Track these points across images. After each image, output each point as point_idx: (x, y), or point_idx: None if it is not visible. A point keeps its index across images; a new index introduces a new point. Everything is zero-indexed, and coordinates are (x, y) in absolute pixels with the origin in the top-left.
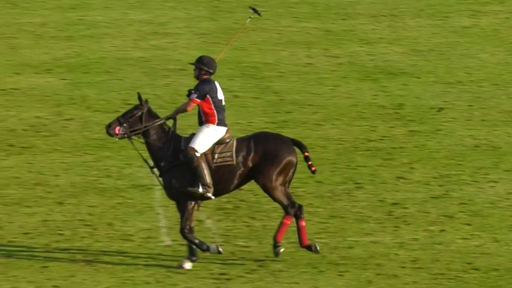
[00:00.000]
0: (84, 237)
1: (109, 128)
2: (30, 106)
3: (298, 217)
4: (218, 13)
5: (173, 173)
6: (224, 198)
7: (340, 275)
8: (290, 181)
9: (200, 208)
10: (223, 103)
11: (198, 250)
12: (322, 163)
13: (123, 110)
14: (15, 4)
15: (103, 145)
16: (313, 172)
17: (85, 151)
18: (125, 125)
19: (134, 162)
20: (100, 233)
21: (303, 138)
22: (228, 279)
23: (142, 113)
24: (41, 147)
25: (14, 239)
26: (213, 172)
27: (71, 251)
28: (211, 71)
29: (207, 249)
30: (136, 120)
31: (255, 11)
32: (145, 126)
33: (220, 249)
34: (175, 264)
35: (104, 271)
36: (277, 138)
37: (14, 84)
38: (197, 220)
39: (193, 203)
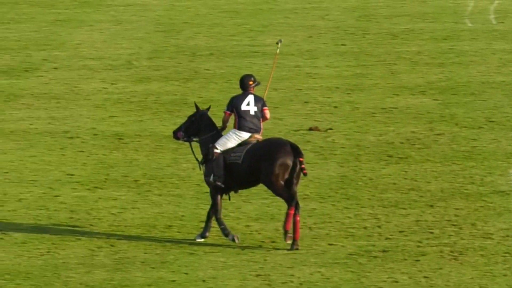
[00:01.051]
0: (451, 235)
1: (174, 133)
2: (406, 122)
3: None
4: None
5: (206, 166)
6: None
7: None
8: (297, 179)
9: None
10: (252, 112)
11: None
12: None
13: (486, 127)
14: (395, 35)
15: (469, 157)
16: (305, 174)
17: (453, 161)
18: (182, 129)
19: (495, 171)
20: (464, 232)
21: None
22: None
23: (195, 119)
24: (415, 157)
25: (390, 236)
26: (227, 167)
27: (440, 247)
28: (240, 88)
29: (226, 236)
30: (191, 125)
31: (279, 42)
32: (200, 138)
33: (235, 239)
34: None
35: (468, 264)
36: (276, 143)
37: (393, 104)
38: None
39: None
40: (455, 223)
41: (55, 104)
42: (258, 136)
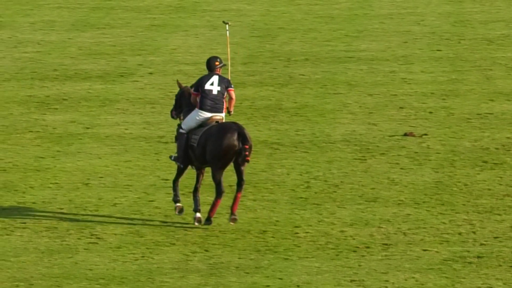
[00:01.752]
0: None
1: (170, 113)
2: (501, 128)
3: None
4: None
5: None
6: None
7: None
8: (242, 162)
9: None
10: (214, 92)
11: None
12: None
13: None
14: (491, 41)
15: None
16: (247, 161)
17: None
18: (173, 108)
19: None
20: None
21: None
22: None
23: (178, 97)
24: (511, 163)
25: (485, 242)
26: (188, 149)
27: None
28: (206, 69)
29: (175, 202)
30: (176, 103)
31: (225, 23)
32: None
33: (177, 211)
34: None
35: None
36: (224, 127)
37: (489, 109)
38: None
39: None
40: None
41: (150, 109)
42: (218, 117)
